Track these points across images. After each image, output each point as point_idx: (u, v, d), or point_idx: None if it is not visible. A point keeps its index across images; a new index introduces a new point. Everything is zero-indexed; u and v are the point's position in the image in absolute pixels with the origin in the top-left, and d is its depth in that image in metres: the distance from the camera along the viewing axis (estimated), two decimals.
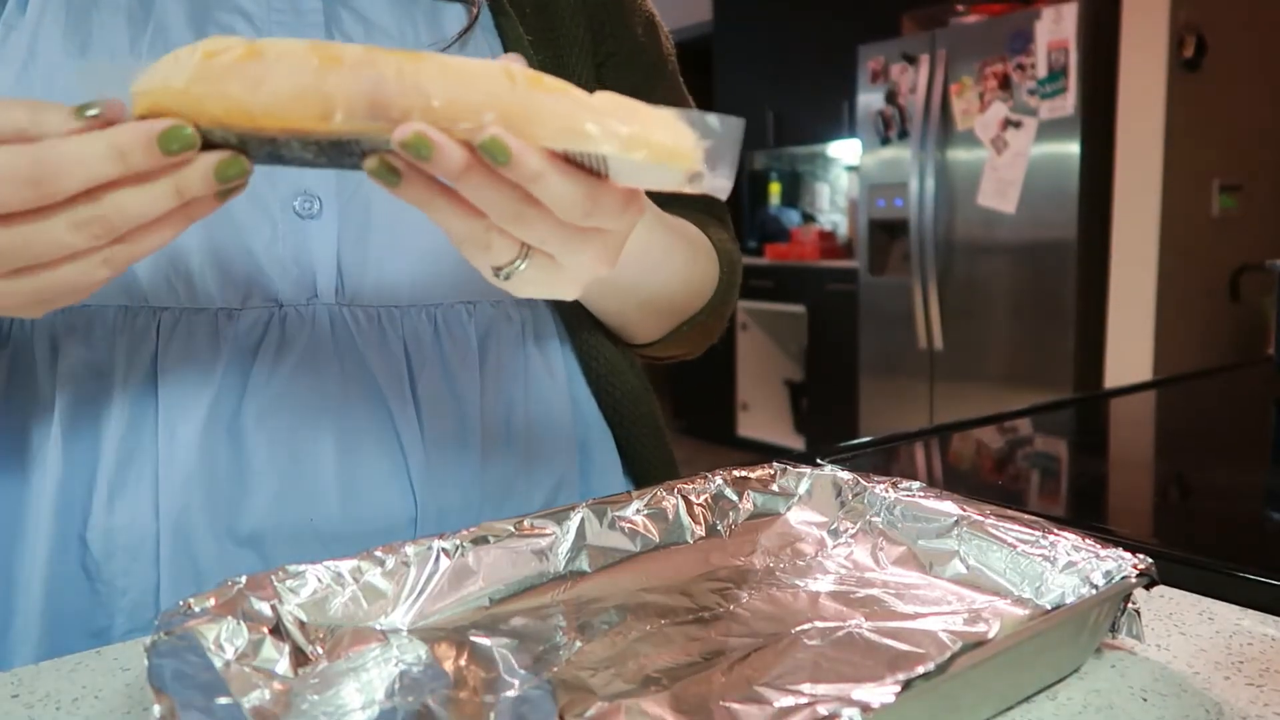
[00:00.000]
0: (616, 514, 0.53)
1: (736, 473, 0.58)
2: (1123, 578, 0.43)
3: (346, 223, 0.55)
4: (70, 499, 0.52)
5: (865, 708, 0.30)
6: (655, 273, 0.63)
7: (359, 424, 0.55)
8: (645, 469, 0.70)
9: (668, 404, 4.95)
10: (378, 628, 0.43)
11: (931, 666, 0.33)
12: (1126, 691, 0.41)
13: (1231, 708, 0.39)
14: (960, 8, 3.20)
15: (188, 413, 0.52)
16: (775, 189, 4.91)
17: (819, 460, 0.61)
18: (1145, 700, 0.40)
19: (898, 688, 0.31)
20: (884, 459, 0.90)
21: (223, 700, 0.32)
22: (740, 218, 5.05)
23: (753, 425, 4.47)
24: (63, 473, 0.51)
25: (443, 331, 0.59)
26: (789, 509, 0.58)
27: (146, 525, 0.52)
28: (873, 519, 0.55)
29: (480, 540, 0.48)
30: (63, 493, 0.51)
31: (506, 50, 0.61)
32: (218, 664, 0.36)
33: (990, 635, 0.36)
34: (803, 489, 0.59)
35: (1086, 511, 0.50)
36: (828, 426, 3.99)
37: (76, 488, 0.52)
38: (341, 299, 0.55)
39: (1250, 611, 0.49)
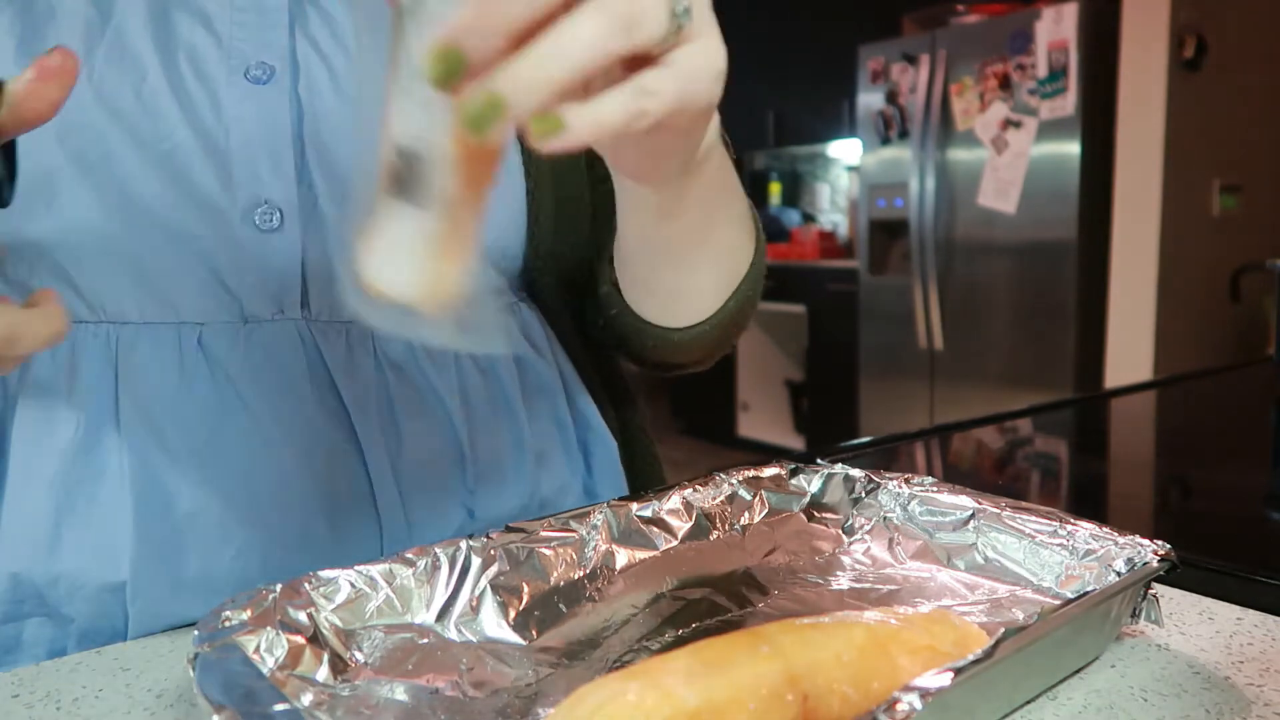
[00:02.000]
0: (637, 514, 0.53)
1: (748, 473, 0.58)
2: (1144, 564, 0.43)
3: (310, 235, 0.53)
4: (18, 522, 0.50)
5: (924, 693, 0.30)
6: (723, 213, 0.55)
7: (328, 450, 0.53)
8: (635, 469, 0.69)
9: (667, 404, 4.96)
10: (412, 629, 0.44)
11: (979, 653, 0.33)
12: (1127, 691, 0.41)
13: (1231, 708, 0.39)
14: (960, 8, 3.20)
15: (150, 433, 0.50)
16: (775, 189, 4.91)
17: (819, 460, 0.61)
18: (1145, 700, 0.40)
19: (951, 674, 0.32)
20: (885, 459, 0.90)
21: (280, 707, 0.32)
22: None
23: (753, 425, 4.47)
24: (10, 495, 0.50)
25: (419, 349, 0.56)
26: (803, 508, 0.58)
27: (103, 552, 0.50)
28: (887, 515, 0.56)
29: (507, 541, 0.48)
30: (10, 515, 0.50)
31: None
32: (264, 671, 0.36)
33: (1027, 622, 0.36)
34: (815, 487, 0.59)
35: (1087, 511, 0.50)
36: (828, 426, 3.99)
37: (25, 510, 0.50)
38: (308, 314, 0.53)
39: (1250, 611, 0.49)
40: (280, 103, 0.52)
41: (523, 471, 0.61)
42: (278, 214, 0.52)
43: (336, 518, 0.54)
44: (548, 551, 0.49)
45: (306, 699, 0.38)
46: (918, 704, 0.30)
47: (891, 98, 3.35)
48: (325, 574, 0.43)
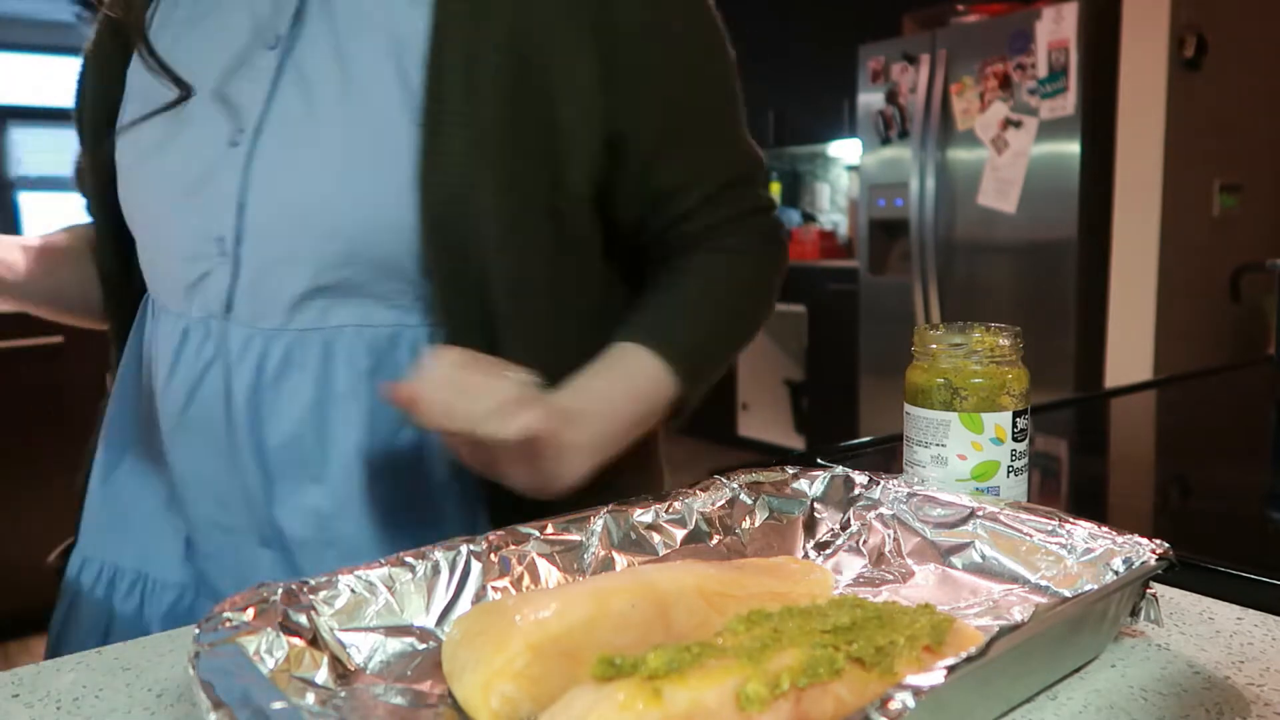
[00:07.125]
0: (637, 519, 0.53)
1: (749, 477, 0.58)
2: (1142, 563, 0.43)
3: (247, 264, 0.62)
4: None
5: (917, 691, 0.30)
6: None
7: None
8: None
9: None
10: (411, 632, 0.44)
11: (973, 651, 0.33)
12: (1127, 691, 0.41)
13: (1231, 708, 0.39)
14: (961, 7, 3.20)
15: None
16: (776, 189, 4.91)
17: (820, 460, 0.61)
18: (1145, 700, 0.40)
19: (944, 672, 0.32)
20: (885, 459, 0.90)
21: (279, 705, 0.32)
22: None
23: (753, 425, 4.46)
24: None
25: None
26: (803, 511, 0.58)
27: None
28: (887, 513, 0.56)
29: (506, 545, 0.48)
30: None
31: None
32: (264, 672, 0.36)
33: (1022, 620, 0.36)
34: (816, 491, 0.59)
35: (1086, 511, 0.50)
36: (828, 426, 3.99)
37: None
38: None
39: (1250, 611, 0.49)
40: (239, 163, 0.62)
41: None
42: (227, 244, 0.63)
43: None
44: (546, 556, 0.49)
45: (306, 700, 0.37)
46: (910, 702, 0.30)
47: (891, 97, 3.35)
48: (325, 577, 0.43)
